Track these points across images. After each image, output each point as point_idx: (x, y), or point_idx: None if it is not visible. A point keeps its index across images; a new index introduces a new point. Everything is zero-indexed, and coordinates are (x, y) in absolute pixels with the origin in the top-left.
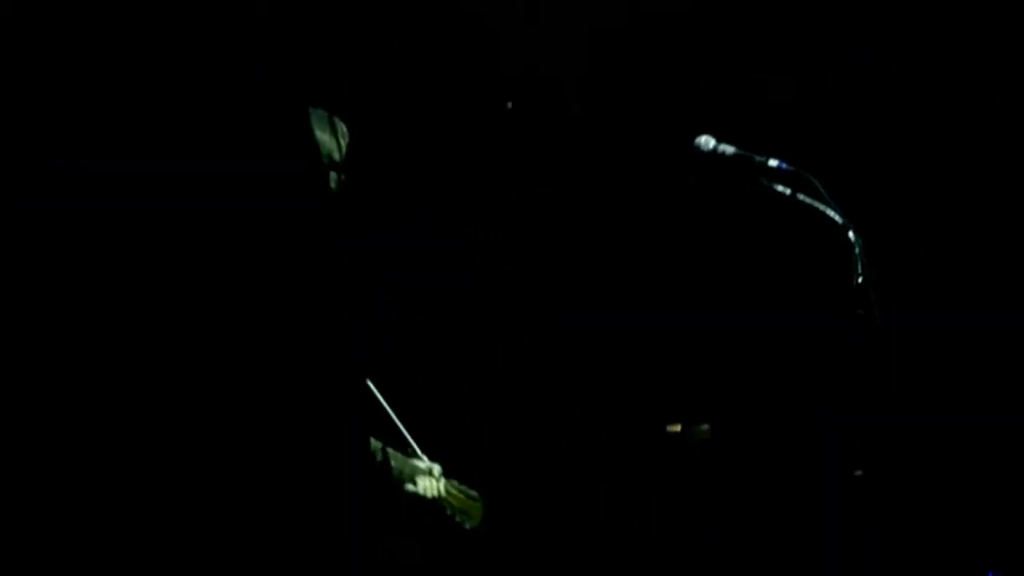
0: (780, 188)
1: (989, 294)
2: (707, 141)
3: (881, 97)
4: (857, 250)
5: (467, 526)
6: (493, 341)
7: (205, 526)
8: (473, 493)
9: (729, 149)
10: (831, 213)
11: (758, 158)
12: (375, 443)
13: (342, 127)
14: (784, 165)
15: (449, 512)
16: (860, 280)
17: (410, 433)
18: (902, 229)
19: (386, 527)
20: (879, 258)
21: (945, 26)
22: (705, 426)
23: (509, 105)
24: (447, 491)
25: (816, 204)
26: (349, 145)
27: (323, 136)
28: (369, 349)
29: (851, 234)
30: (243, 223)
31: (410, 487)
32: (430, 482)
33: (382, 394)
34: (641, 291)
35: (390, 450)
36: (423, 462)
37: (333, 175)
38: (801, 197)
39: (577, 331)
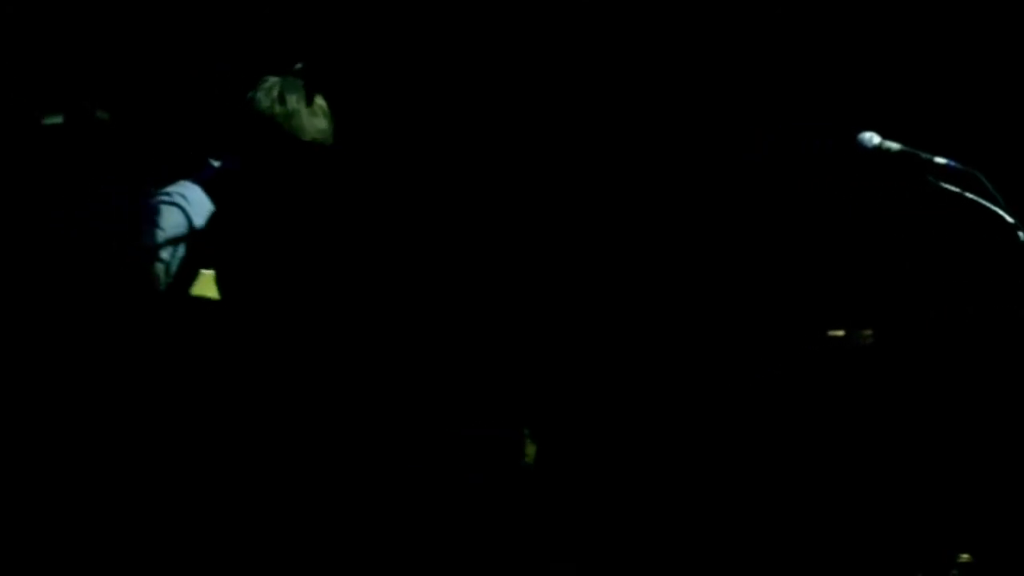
0: (948, 186)
1: None
2: (871, 137)
3: None
4: None
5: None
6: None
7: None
8: None
9: (894, 146)
10: (1001, 212)
11: (924, 155)
12: None
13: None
14: (952, 163)
15: None
16: None
17: None
18: None
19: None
20: None
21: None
22: (868, 331)
23: None
24: None
25: (985, 203)
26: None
27: (314, 120)
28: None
29: (1021, 234)
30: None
31: None
32: None
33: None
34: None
35: None
36: None
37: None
38: (970, 196)
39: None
